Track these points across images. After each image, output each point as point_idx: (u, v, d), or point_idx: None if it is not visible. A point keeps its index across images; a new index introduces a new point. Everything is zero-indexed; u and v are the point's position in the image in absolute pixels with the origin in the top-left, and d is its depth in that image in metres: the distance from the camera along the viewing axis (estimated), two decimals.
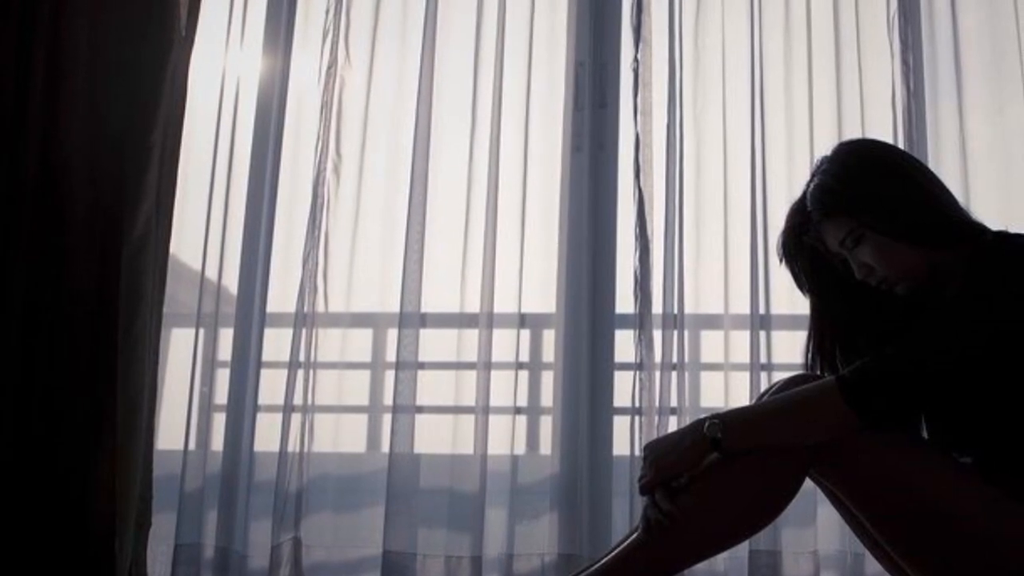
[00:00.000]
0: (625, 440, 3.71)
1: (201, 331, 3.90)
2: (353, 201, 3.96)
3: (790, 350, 3.62)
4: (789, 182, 3.80)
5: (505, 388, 3.79)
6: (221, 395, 3.93)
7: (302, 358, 3.81)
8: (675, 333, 3.76)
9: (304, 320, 3.84)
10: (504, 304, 3.83)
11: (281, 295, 3.94)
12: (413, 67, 3.98)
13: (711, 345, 3.85)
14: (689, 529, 2.47)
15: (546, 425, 3.90)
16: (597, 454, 3.76)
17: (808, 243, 2.72)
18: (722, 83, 3.95)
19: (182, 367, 3.86)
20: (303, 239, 3.89)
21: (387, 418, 3.77)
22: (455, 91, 4.02)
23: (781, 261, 2.80)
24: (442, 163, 3.97)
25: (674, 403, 3.72)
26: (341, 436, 3.89)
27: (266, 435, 3.81)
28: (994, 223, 2.57)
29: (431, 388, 3.83)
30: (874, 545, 2.62)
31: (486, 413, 3.74)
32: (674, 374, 3.74)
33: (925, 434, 2.65)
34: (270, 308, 3.95)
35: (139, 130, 3.62)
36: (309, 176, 3.94)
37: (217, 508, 3.76)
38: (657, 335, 3.77)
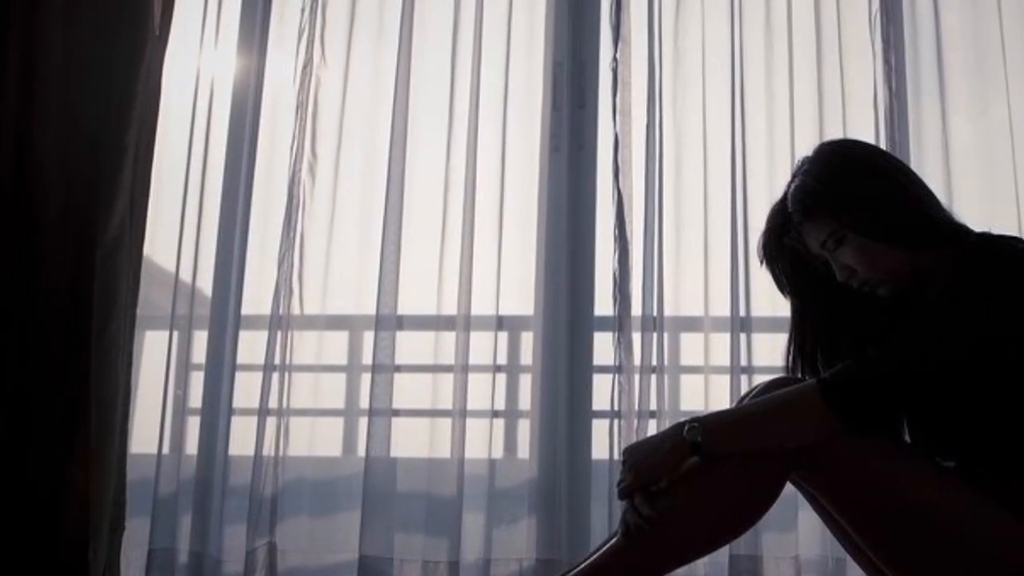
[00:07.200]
0: (604, 444, 3.70)
1: (175, 333, 3.89)
2: (329, 202, 3.95)
3: (771, 353, 3.62)
4: (770, 183, 3.79)
5: (483, 391, 3.77)
6: (195, 398, 3.92)
7: (277, 361, 3.80)
8: (654, 336, 3.75)
9: (279, 322, 3.82)
10: (481, 306, 3.82)
11: (256, 297, 3.93)
12: (389, 66, 3.97)
13: (691, 348, 3.83)
14: (669, 534, 2.45)
15: (524, 428, 3.88)
16: (576, 458, 3.75)
17: (789, 245, 2.71)
18: (702, 83, 3.94)
19: (156, 370, 3.84)
20: (278, 240, 3.87)
21: (363, 421, 3.76)
22: (432, 91, 4.01)
23: (762, 263, 2.78)
24: (419, 164, 3.95)
25: (654, 406, 3.70)
26: (317, 440, 3.87)
27: (241, 439, 3.80)
28: (977, 224, 2.57)
29: (408, 391, 3.83)
30: (856, 550, 2.61)
31: (463, 416, 3.72)
32: (653, 377, 3.72)
33: (907, 438, 2.63)
34: (245, 310, 3.94)
35: (113, 130, 3.59)
36: (284, 177, 3.92)
37: (191, 513, 3.75)
38: (636, 337, 3.76)
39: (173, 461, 3.78)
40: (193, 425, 3.88)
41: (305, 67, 3.99)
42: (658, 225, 3.81)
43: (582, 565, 2.51)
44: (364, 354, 3.92)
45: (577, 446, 3.77)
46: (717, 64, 3.94)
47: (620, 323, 3.77)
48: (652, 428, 3.65)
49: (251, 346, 3.89)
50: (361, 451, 3.74)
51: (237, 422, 3.83)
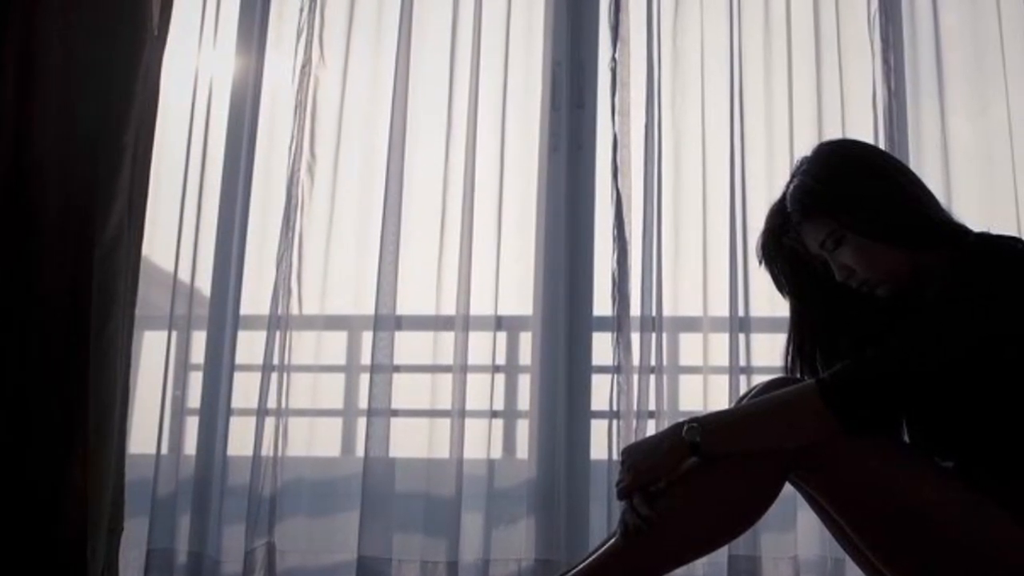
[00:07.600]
0: (603, 444, 3.70)
1: (174, 334, 3.88)
2: (327, 202, 3.94)
3: (770, 353, 3.61)
4: (769, 183, 3.78)
5: (481, 391, 3.77)
6: (194, 398, 3.91)
7: (276, 361, 3.79)
8: (653, 336, 3.74)
9: (278, 322, 3.82)
10: (480, 306, 3.82)
11: (255, 297, 3.92)
12: (388, 67, 3.96)
13: (690, 348, 3.82)
14: (667, 534, 2.45)
15: (523, 429, 3.87)
16: (574, 458, 3.75)
17: (788, 245, 2.70)
18: (701, 83, 3.93)
19: (154, 370, 3.83)
20: (277, 240, 3.87)
21: (362, 422, 3.76)
22: (431, 91, 4.00)
23: (760, 263, 2.78)
24: (417, 164, 3.95)
25: (652, 407, 3.70)
26: (315, 440, 3.86)
27: (239, 439, 3.79)
28: (976, 224, 2.56)
29: (406, 391, 3.82)
30: (855, 550, 2.60)
31: (462, 416, 3.72)
32: (652, 377, 3.72)
33: (906, 438, 2.63)
34: (243, 310, 3.94)
35: (112, 130, 3.58)
36: (283, 177, 3.92)
37: (190, 513, 3.74)
38: (635, 338, 3.75)
39: (172, 461, 3.77)
40: (192, 425, 3.87)
41: (304, 67, 3.98)
42: (657, 225, 3.80)
43: (581, 565, 2.51)
44: (363, 354, 3.92)
45: (576, 446, 3.77)
46: (716, 64, 3.93)
47: (619, 323, 3.76)
48: (651, 428, 3.64)
49: (250, 346, 3.88)
50: (360, 451, 3.73)
51: (236, 422, 3.83)
